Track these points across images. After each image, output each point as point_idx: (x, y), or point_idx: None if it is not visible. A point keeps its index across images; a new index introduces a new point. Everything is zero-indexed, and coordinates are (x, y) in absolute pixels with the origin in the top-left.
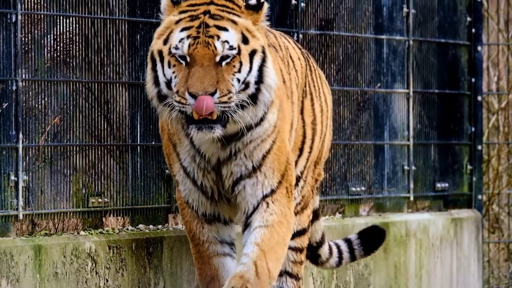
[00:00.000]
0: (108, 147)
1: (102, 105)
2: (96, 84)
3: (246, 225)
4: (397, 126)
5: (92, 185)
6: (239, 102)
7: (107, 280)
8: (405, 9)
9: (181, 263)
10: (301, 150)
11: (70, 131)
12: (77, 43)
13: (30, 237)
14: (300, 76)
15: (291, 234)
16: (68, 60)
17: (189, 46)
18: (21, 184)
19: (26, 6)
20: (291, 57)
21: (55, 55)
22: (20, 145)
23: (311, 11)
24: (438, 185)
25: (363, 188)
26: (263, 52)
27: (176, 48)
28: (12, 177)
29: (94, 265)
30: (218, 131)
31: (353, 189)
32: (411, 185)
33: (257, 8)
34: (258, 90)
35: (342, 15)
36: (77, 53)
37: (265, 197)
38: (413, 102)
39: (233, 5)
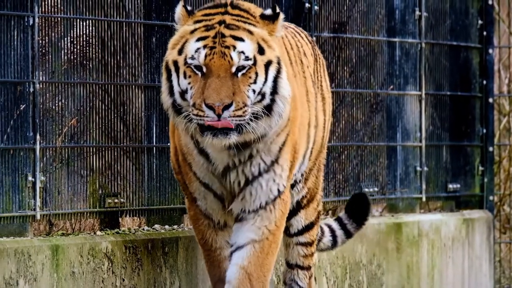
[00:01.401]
0: (124, 148)
1: (118, 107)
2: (112, 86)
3: (240, 219)
4: (409, 128)
5: (108, 186)
6: (253, 114)
7: (123, 280)
8: (417, 12)
9: (196, 263)
10: None
11: (86, 132)
12: (94, 46)
13: (48, 237)
14: (313, 73)
15: (283, 227)
16: (84, 62)
17: (205, 56)
18: (38, 185)
19: (43, 9)
20: (305, 54)
21: (71, 57)
22: (38, 146)
23: (325, 14)
24: (450, 186)
25: (376, 189)
26: (278, 63)
27: (192, 58)
28: (30, 178)
29: (110, 264)
30: (233, 137)
31: (366, 190)
32: (423, 186)
33: (273, 18)
34: (273, 101)
35: (355, 18)
36: (94, 56)
37: (275, 197)
38: (425, 104)
39: (248, 15)
